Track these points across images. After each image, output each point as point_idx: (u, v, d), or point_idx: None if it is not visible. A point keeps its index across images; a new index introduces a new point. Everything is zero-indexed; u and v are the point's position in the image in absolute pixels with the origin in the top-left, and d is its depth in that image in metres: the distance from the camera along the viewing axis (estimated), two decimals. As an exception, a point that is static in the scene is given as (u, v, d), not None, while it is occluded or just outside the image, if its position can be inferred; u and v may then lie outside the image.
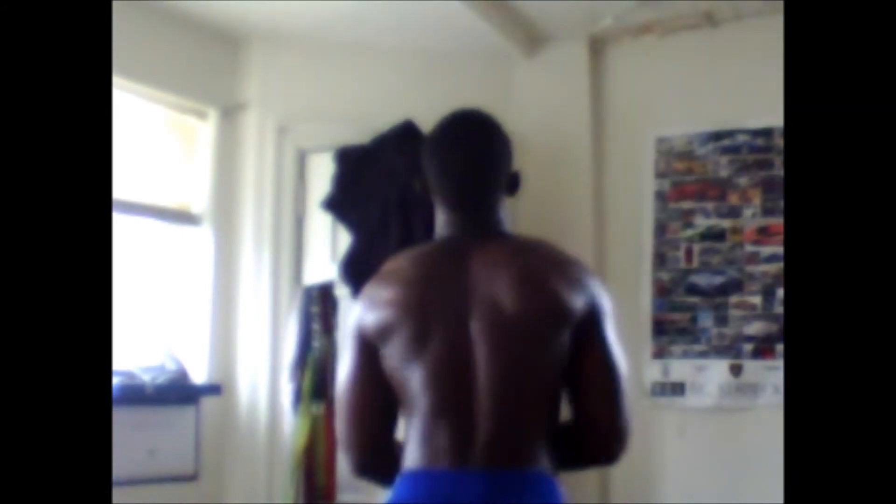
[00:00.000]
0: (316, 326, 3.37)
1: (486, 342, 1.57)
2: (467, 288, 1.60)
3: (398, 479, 1.60)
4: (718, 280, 3.62)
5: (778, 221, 3.56)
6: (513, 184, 1.78)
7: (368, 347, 1.64)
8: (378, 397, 1.64)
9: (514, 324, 1.57)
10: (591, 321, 1.63)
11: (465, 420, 1.55)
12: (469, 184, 1.73)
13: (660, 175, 3.75)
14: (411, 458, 1.59)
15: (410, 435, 1.60)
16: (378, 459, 1.66)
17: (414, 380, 1.58)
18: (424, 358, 1.58)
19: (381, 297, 1.64)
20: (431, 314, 1.60)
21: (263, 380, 3.55)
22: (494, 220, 1.74)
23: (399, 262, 1.71)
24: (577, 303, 1.62)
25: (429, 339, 1.58)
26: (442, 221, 1.75)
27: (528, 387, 1.59)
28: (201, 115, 3.68)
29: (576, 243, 1.71)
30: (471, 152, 1.73)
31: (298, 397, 3.37)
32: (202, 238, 3.60)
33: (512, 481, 1.53)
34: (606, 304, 1.67)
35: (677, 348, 3.66)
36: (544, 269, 1.63)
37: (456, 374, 1.56)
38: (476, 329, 1.57)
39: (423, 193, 1.78)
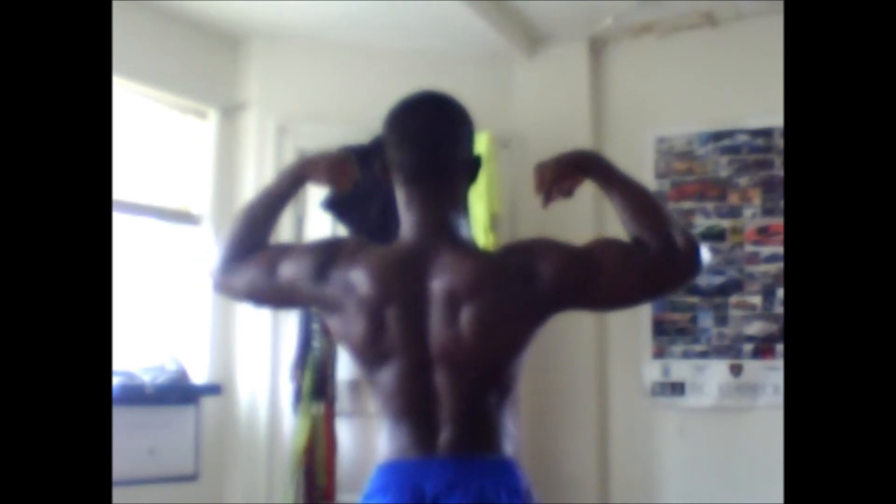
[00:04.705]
0: (316, 326, 3.37)
1: (446, 363, 1.61)
2: (425, 306, 1.61)
3: (374, 471, 1.66)
4: (718, 280, 3.62)
5: (778, 221, 3.56)
6: (473, 168, 1.75)
7: (314, 277, 1.67)
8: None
9: (471, 349, 1.60)
10: (559, 292, 1.62)
11: (430, 422, 1.62)
12: (427, 152, 1.69)
13: (660, 175, 3.75)
14: (384, 452, 1.65)
15: (383, 432, 1.67)
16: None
17: (378, 387, 1.66)
18: (387, 371, 1.63)
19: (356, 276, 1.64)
20: (392, 326, 1.62)
21: (263, 380, 3.56)
22: (455, 210, 1.70)
23: (373, 258, 1.67)
24: (536, 307, 1.62)
25: (389, 354, 1.63)
26: (402, 201, 1.71)
27: (488, 392, 1.63)
28: (201, 115, 3.68)
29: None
30: (429, 122, 1.71)
31: (298, 397, 3.38)
32: (202, 238, 3.60)
33: (475, 465, 1.59)
34: (554, 259, 1.65)
35: (677, 348, 3.66)
36: (499, 286, 1.61)
37: (419, 385, 1.62)
38: (435, 349, 1.61)
39: (382, 174, 1.75)
